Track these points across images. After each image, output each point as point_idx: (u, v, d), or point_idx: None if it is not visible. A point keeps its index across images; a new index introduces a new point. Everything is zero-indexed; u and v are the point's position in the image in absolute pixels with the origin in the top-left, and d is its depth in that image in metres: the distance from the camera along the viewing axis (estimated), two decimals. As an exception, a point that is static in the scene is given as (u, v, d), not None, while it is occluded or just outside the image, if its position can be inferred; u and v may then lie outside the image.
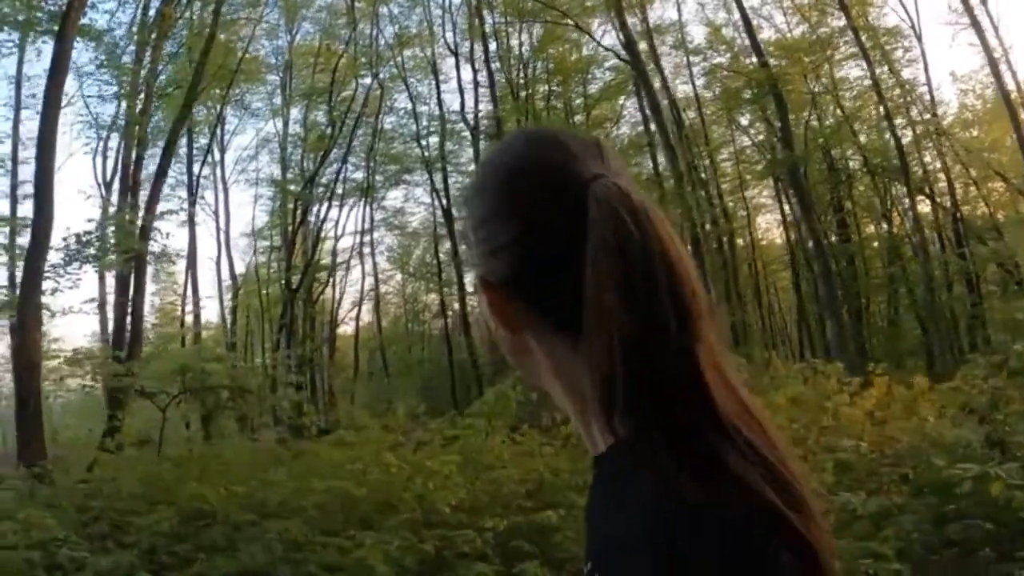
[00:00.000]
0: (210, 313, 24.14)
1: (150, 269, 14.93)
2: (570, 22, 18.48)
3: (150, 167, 13.86)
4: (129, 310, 10.62)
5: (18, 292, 8.07)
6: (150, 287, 18.27)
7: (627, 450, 0.55)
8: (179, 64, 15.71)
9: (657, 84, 17.97)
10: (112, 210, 12.33)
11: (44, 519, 4.58)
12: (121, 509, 5.73)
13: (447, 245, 23.69)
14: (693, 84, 21.11)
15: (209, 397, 8.93)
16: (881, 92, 16.68)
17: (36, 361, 7.74)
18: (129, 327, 10.68)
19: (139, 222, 10.29)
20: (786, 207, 20.94)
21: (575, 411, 0.63)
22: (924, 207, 19.09)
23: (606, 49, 18.88)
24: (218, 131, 20.74)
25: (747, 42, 19.95)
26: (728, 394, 0.56)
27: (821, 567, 0.52)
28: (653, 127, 18.51)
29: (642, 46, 19.92)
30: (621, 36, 16.36)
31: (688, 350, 0.55)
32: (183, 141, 17.79)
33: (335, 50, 19.88)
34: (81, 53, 12.44)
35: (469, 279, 0.91)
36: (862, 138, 18.79)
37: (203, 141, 20.27)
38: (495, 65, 20.71)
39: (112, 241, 9.25)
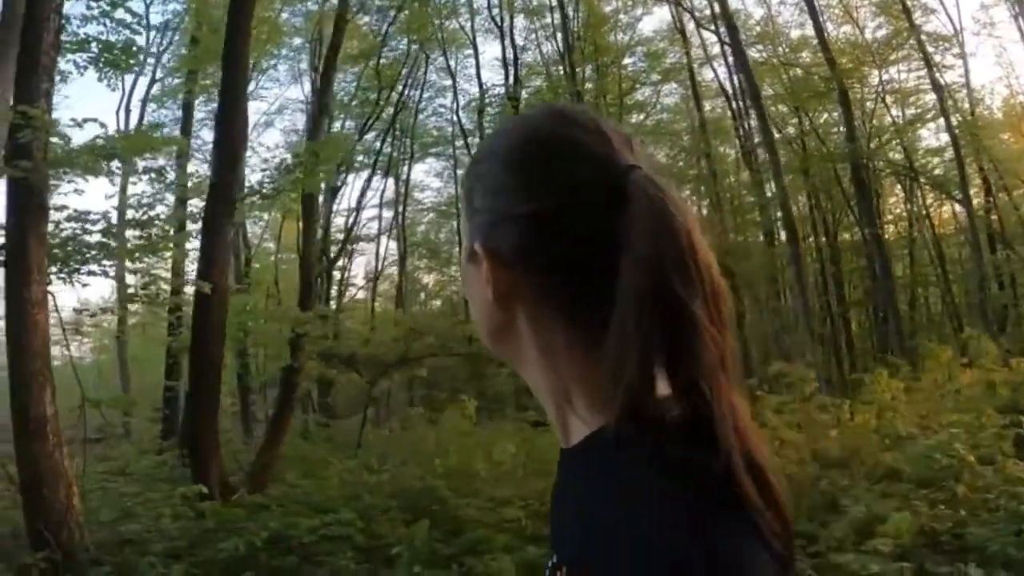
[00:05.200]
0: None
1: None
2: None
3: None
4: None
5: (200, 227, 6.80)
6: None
7: (626, 442, 0.53)
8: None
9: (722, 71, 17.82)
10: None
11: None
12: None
13: (454, 224, 23.16)
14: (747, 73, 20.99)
15: (417, 368, 8.00)
16: (942, 97, 17.12)
17: (221, 319, 6.60)
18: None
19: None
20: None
21: (553, 398, 0.61)
22: (956, 208, 19.92)
23: (700, 25, 18.57)
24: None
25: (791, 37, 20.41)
26: (734, 402, 0.55)
27: None
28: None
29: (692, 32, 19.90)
30: (716, 6, 16.11)
31: (713, 361, 0.54)
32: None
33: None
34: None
35: (462, 249, 0.63)
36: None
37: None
38: (539, 43, 20.24)
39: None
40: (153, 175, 7.41)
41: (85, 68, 7.46)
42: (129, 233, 6.55)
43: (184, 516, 5.67)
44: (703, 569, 0.47)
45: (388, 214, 22.43)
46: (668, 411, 0.53)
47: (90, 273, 6.27)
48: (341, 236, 18.53)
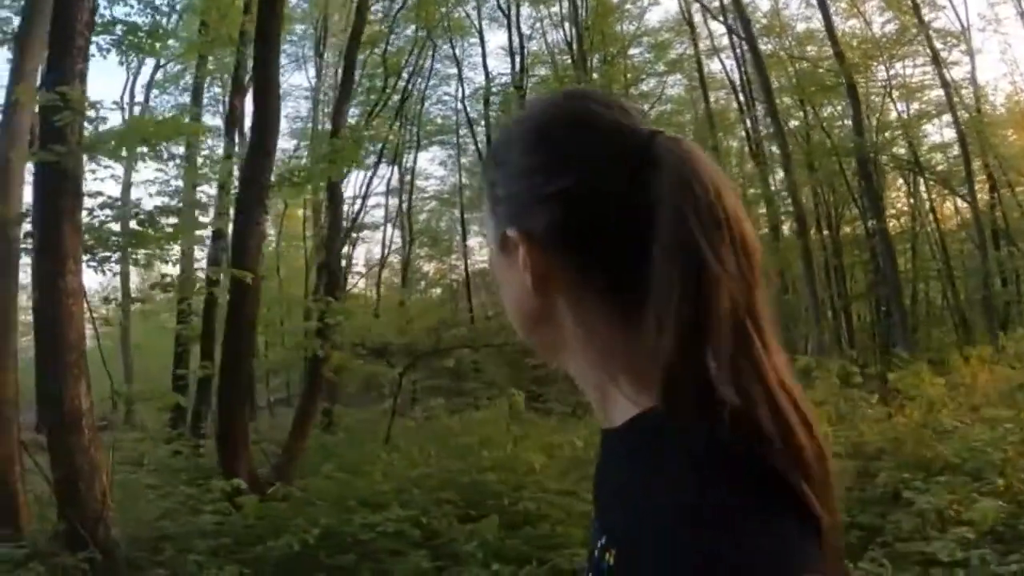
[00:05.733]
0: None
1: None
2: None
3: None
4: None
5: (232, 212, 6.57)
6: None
7: (668, 424, 0.52)
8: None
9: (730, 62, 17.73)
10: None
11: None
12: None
13: (456, 213, 23.07)
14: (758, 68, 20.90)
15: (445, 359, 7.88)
16: (950, 93, 17.15)
17: (254, 308, 6.41)
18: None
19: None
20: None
21: (595, 380, 0.61)
22: (958, 204, 20.04)
23: (712, 16, 18.45)
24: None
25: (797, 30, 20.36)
26: (775, 364, 0.55)
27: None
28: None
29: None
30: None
31: (749, 320, 0.54)
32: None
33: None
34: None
35: (487, 241, 0.65)
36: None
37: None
38: (545, 32, 20.06)
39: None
40: (179, 160, 7.21)
41: (108, 51, 7.24)
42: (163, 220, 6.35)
43: (224, 511, 5.52)
44: (737, 562, 0.47)
45: (390, 202, 22.25)
46: (712, 383, 0.52)
47: (119, 262, 6.08)
48: (346, 224, 18.27)
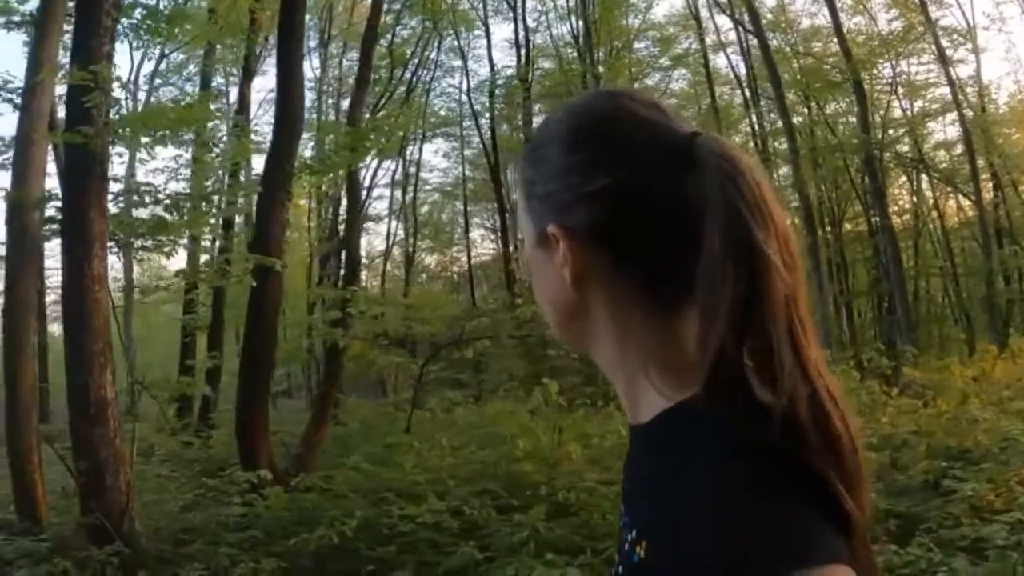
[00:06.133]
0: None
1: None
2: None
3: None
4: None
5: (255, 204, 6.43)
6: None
7: (703, 420, 0.53)
8: None
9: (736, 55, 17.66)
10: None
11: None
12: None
13: (458, 206, 22.98)
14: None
15: (465, 350, 7.79)
16: (956, 91, 17.16)
17: (277, 297, 6.29)
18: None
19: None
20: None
21: (625, 374, 0.62)
22: (961, 202, 20.09)
23: (720, 10, 18.38)
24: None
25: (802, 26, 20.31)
26: (815, 356, 0.55)
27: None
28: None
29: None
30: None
31: (796, 311, 0.55)
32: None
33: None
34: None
35: (523, 237, 0.63)
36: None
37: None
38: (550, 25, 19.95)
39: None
40: (198, 147, 7.06)
41: (125, 36, 7.09)
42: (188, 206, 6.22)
43: (251, 503, 5.42)
44: (767, 556, 0.47)
45: (394, 194, 22.13)
46: (750, 378, 0.53)
47: (143, 248, 5.95)
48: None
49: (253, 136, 9.25)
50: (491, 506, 4.62)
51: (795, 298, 0.56)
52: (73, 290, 5.26)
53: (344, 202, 10.31)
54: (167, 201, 5.71)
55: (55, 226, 6.20)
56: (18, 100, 6.18)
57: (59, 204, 6.26)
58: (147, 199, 5.74)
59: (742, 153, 0.60)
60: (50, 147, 6.37)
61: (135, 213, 6.49)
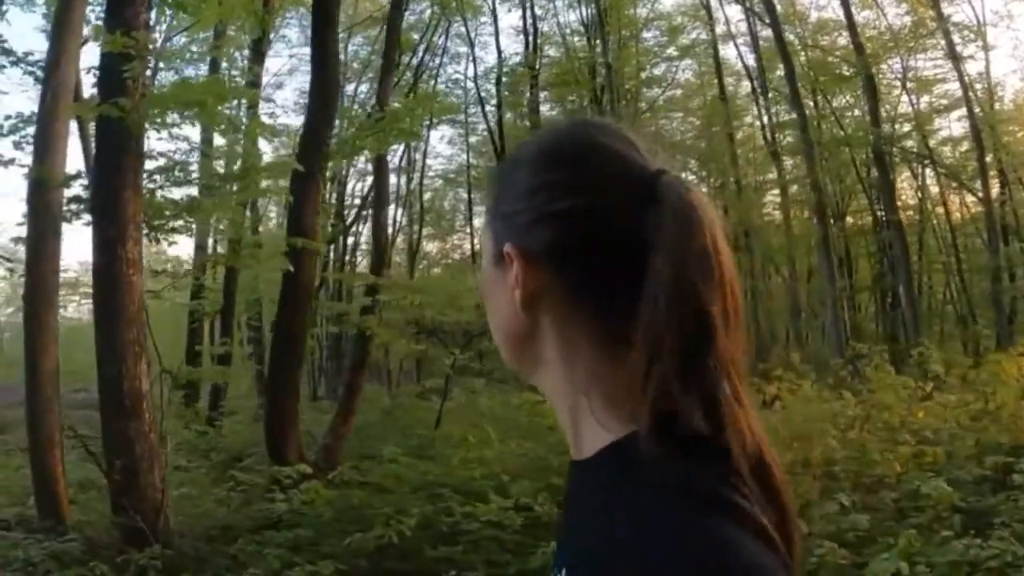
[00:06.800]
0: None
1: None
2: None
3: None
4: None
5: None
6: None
7: (644, 457, 0.54)
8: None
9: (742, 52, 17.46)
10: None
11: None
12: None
13: (461, 193, 22.72)
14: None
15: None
16: (966, 88, 17.10)
17: (310, 281, 5.99)
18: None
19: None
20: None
21: (568, 403, 0.62)
22: (965, 199, 20.10)
23: (736, 1, 18.16)
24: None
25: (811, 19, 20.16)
26: (747, 409, 0.57)
27: None
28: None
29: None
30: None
31: (732, 368, 0.56)
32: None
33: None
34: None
35: (483, 254, 0.66)
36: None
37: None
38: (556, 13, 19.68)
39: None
40: (224, 126, 6.73)
41: (148, 8, 6.68)
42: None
43: (294, 499, 5.16)
44: None
45: (396, 179, 21.78)
46: (690, 417, 0.54)
47: (172, 230, 5.65)
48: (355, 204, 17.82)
49: (268, 119, 8.92)
50: (555, 502, 4.40)
51: (734, 357, 0.56)
52: (106, 274, 4.96)
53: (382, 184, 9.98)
54: (203, 181, 5.39)
55: (78, 207, 5.89)
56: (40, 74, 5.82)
57: (84, 183, 5.95)
58: (180, 177, 5.42)
59: (702, 197, 0.60)
60: (73, 124, 6.02)
61: (160, 195, 6.18)
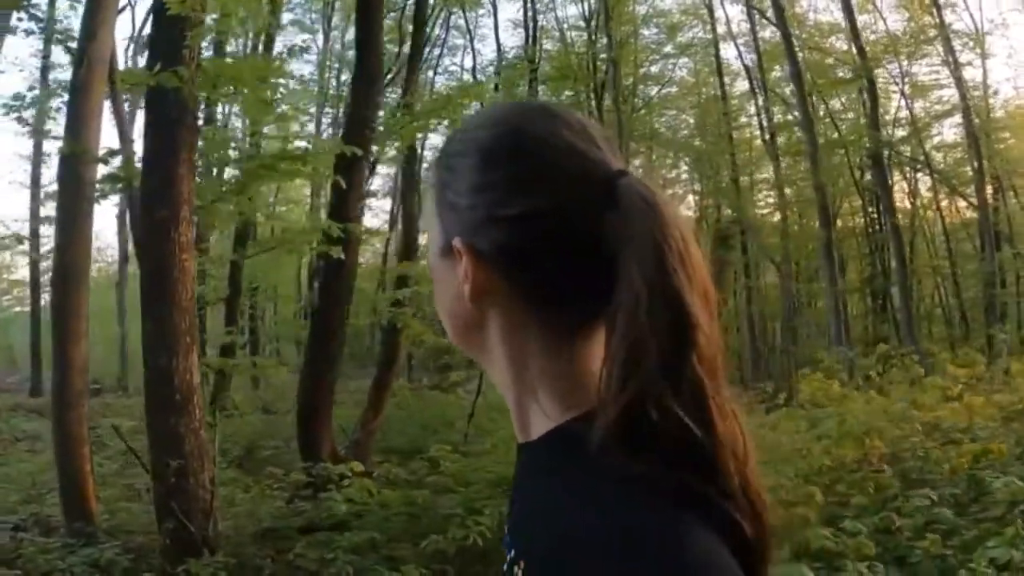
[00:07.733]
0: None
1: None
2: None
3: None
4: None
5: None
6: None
7: (594, 448, 0.53)
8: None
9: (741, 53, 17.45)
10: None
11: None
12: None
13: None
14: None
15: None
16: (964, 94, 17.34)
17: (351, 273, 5.68)
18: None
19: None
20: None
21: (515, 393, 0.62)
22: (958, 204, 20.43)
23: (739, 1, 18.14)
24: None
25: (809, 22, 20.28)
26: (725, 416, 0.56)
27: None
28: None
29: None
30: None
31: (709, 360, 0.56)
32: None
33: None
34: None
35: (429, 238, 0.63)
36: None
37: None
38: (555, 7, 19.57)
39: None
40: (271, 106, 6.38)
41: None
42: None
43: (354, 500, 4.88)
44: None
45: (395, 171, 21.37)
46: (676, 416, 0.54)
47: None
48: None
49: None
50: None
51: (713, 346, 0.56)
52: (157, 259, 4.62)
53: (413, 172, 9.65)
54: (257, 159, 5.06)
55: (111, 185, 5.52)
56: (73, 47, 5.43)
57: (118, 162, 5.59)
58: (228, 156, 5.09)
59: (667, 199, 0.58)
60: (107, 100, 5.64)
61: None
